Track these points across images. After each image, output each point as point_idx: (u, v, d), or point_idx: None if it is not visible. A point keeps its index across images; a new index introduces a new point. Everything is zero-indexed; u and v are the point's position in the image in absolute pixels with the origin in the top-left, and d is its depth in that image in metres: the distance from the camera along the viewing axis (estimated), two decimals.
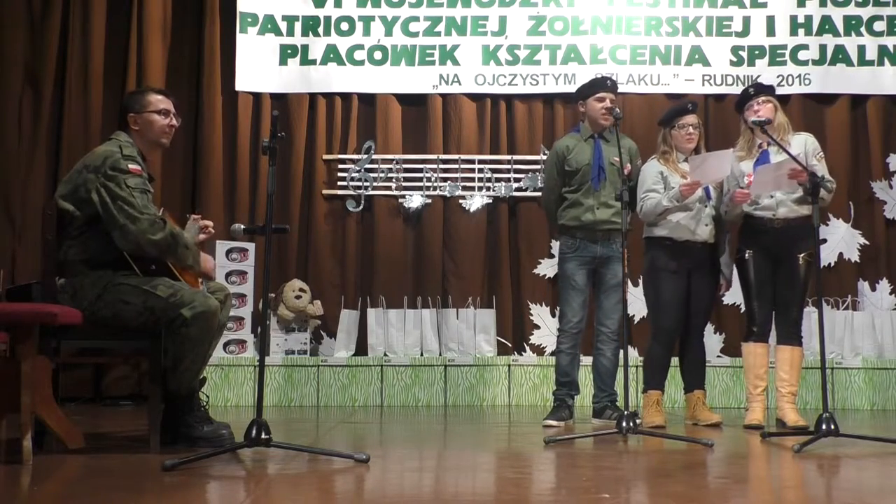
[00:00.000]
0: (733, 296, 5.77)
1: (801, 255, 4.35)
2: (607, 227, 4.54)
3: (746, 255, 4.40)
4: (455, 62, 6.25)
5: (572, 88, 5.92)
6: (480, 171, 6.22)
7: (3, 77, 5.88)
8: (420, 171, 6.21)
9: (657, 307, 4.50)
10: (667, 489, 2.66)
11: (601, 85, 4.66)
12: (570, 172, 4.63)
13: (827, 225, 6.01)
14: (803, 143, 4.45)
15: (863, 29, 6.22)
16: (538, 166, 6.10)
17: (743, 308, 4.64)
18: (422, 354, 5.86)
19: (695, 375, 4.56)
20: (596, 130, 4.66)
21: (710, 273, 4.53)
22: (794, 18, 6.25)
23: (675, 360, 4.70)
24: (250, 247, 5.88)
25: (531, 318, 6.07)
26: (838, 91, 6.21)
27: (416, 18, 6.30)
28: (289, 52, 6.27)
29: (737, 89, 5.81)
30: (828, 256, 6.01)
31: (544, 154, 5.99)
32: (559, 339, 4.63)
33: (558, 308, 4.78)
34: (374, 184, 6.19)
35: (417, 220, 6.22)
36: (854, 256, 6.06)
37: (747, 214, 4.41)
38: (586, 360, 4.87)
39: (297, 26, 6.29)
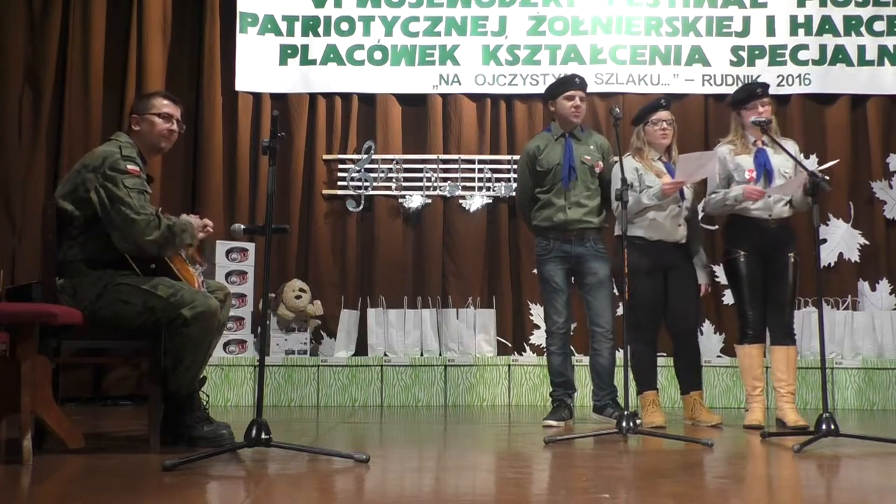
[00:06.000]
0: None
1: (791, 254, 4.36)
2: (580, 226, 4.53)
3: (742, 256, 4.38)
4: (455, 62, 6.24)
5: None
6: (480, 171, 6.22)
7: (3, 77, 5.87)
8: (420, 171, 6.21)
9: (632, 306, 4.48)
10: (667, 489, 2.66)
11: (570, 83, 4.64)
12: (542, 173, 4.62)
13: (827, 225, 6.02)
14: (793, 146, 4.49)
15: (863, 29, 6.21)
16: None
17: None
18: (422, 354, 5.86)
19: (690, 377, 4.55)
20: (566, 129, 4.65)
21: (689, 273, 4.51)
22: (794, 18, 6.24)
23: (672, 361, 4.70)
24: (250, 247, 5.88)
25: (531, 318, 6.06)
26: (838, 91, 6.20)
27: (416, 18, 6.29)
28: (289, 52, 6.27)
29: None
30: (828, 256, 6.01)
31: None
32: (548, 340, 4.63)
33: (543, 311, 4.77)
34: (374, 184, 6.19)
35: (417, 220, 6.21)
36: (854, 256, 6.06)
37: (740, 214, 4.39)
38: (584, 361, 4.85)
39: (297, 26, 6.28)
